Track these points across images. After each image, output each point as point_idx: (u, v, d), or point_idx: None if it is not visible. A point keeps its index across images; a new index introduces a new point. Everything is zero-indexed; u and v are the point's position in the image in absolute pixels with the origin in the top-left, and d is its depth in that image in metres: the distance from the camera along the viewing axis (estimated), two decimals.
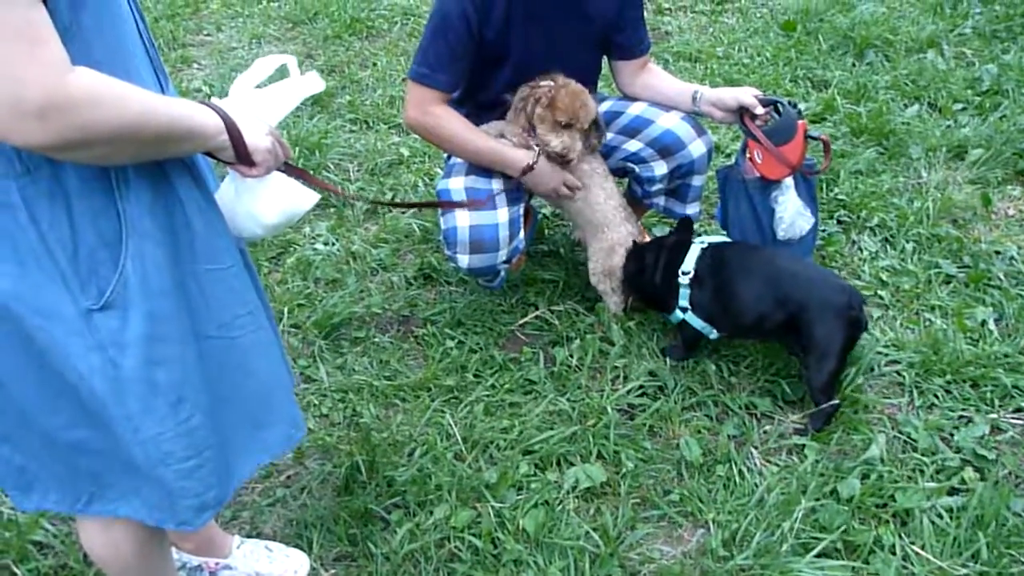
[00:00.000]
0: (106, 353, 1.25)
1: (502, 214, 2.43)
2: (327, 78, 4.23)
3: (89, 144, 1.09)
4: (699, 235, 2.59)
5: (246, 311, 1.47)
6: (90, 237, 1.21)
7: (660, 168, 2.50)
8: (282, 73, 1.50)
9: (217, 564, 2.00)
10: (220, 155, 1.33)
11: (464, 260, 2.44)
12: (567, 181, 2.45)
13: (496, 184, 2.47)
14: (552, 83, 2.34)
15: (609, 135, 2.55)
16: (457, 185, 2.45)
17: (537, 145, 2.38)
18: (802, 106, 3.49)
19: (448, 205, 2.43)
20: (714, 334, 2.40)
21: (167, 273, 1.30)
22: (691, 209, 2.62)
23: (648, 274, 2.47)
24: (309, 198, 1.52)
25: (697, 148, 2.46)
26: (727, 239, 2.48)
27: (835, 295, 2.23)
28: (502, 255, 2.46)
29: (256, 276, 1.64)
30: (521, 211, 2.53)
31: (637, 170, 2.55)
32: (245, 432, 1.52)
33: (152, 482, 1.39)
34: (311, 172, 3.23)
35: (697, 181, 2.56)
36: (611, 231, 2.52)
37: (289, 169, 1.51)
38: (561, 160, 2.40)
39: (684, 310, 2.39)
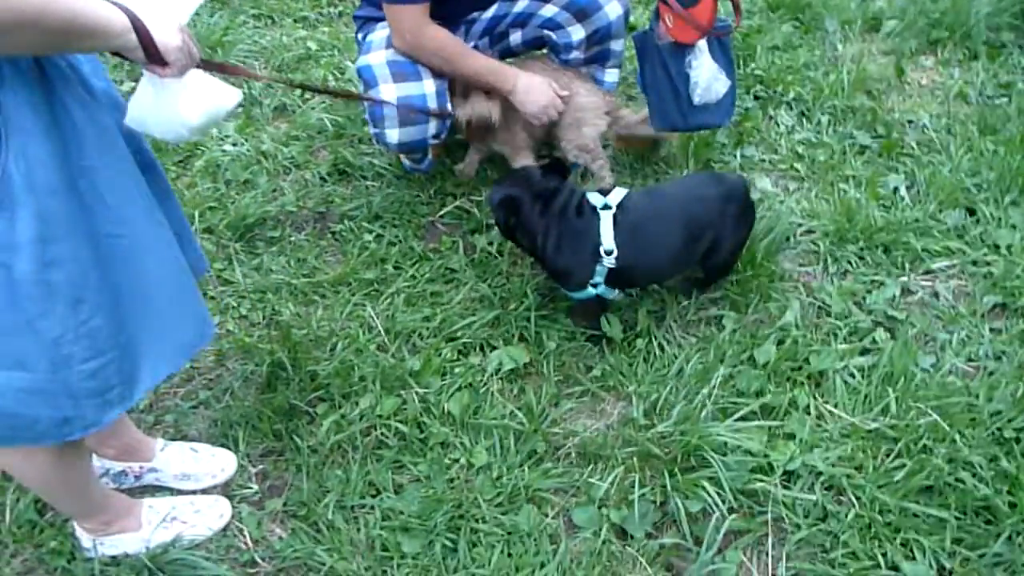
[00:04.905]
0: None
1: (428, 85, 2.35)
2: None
3: None
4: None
5: (142, 207, 1.42)
6: None
7: (577, 32, 2.43)
8: None
9: (142, 468, 1.97)
10: (129, 55, 1.28)
11: (394, 135, 2.36)
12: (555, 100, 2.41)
13: None
14: None
15: (524, 1, 2.48)
16: (378, 59, 2.35)
17: None
18: None
19: (410, 109, 2.33)
20: (617, 296, 2.25)
21: (54, 171, 1.24)
22: (611, 76, 2.58)
23: (543, 241, 2.13)
24: (232, 95, 1.46)
25: (613, 9, 2.40)
26: (624, 191, 2.16)
27: (734, 203, 2.17)
28: (432, 127, 2.39)
29: (160, 177, 1.59)
30: (447, 84, 2.45)
31: (554, 37, 2.48)
32: (157, 333, 1.48)
33: (56, 387, 1.35)
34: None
35: (616, 46, 2.51)
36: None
37: (207, 65, 1.45)
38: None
39: (596, 286, 2.16)
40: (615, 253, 2.07)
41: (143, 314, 1.45)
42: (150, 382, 1.50)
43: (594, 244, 2.08)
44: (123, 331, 1.41)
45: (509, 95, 2.40)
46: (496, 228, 2.27)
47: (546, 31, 2.49)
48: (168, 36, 1.30)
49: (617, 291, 2.22)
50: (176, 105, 1.40)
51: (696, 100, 2.31)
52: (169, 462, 1.99)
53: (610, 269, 2.10)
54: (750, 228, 2.26)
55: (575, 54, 2.49)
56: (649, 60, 2.34)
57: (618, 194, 2.14)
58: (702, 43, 2.25)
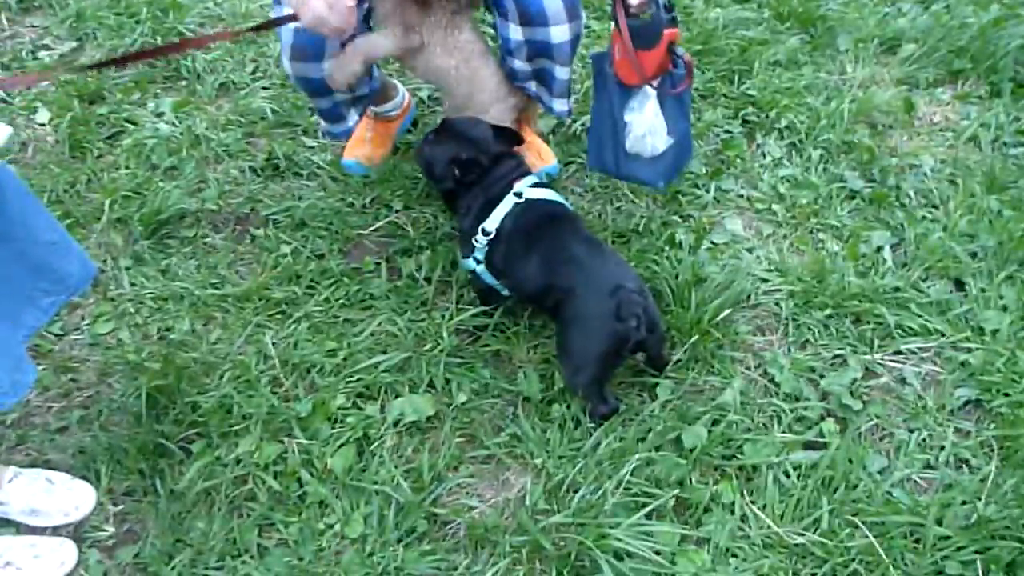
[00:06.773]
0: None
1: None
2: None
3: None
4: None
5: None
6: None
7: (516, 33, 2.11)
8: None
9: None
10: None
11: (288, 67, 2.14)
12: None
13: None
14: None
15: None
16: None
17: None
18: None
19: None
20: (507, 292, 2.10)
21: None
22: (559, 105, 2.28)
23: (465, 201, 2.11)
24: None
25: (559, 33, 2.08)
26: (545, 196, 2.07)
27: (602, 298, 1.84)
28: (327, 67, 2.12)
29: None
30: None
31: (495, 17, 2.16)
32: None
33: None
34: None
35: (561, 73, 2.19)
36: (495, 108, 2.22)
37: None
38: None
39: (479, 262, 2.06)
40: (490, 237, 2.02)
41: None
42: None
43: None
44: None
45: None
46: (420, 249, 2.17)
47: (492, 4, 2.17)
48: None
49: (502, 285, 2.08)
50: None
51: (627, 147, 2.02)
52: (18, 494, 1.80)
53: (489, 250, 2.03)
54: (591, 339, 1.87)
55: (517, 63, 2.18)
56: (599, 86, 2.06)
57: (540, 192, 2.06)
58: (651, 89, 1.96)
